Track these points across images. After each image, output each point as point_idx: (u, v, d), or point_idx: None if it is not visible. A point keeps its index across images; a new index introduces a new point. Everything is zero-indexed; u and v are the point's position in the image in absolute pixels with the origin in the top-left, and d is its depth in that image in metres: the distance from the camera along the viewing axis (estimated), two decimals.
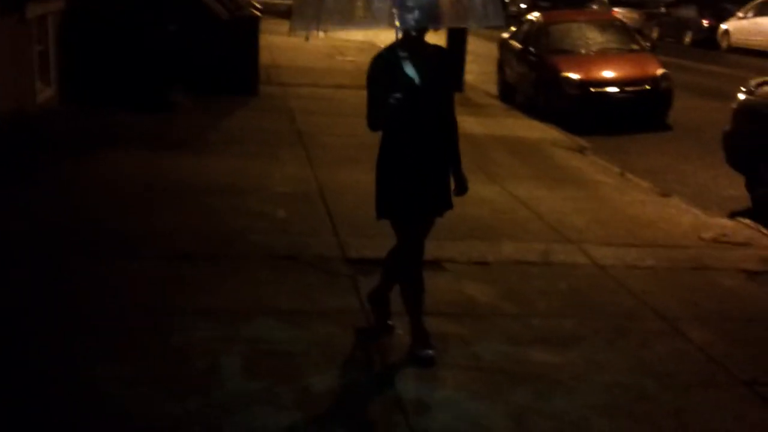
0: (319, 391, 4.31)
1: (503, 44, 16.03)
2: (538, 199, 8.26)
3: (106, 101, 11.06)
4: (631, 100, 12.90)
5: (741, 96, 8.90)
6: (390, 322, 5.01)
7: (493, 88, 16.09)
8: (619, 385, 4.53)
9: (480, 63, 18.68)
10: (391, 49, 4.41)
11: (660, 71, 13.15)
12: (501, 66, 15.98)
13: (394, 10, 4.21)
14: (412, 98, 4.32)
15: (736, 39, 26.37)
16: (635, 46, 14.14)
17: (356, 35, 27.07)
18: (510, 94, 15.16)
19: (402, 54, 4.35)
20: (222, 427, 3.96)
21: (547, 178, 9.31)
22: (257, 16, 13.65)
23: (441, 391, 4.41)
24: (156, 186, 7.85)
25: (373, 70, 4.50)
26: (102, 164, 8.55)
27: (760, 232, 7.59)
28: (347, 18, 4.40)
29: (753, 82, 9.00)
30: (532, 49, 14.26)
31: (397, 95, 4.24)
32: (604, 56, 13.64)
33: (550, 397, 4.37)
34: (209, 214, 7.09)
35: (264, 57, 15.30)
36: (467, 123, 10.37)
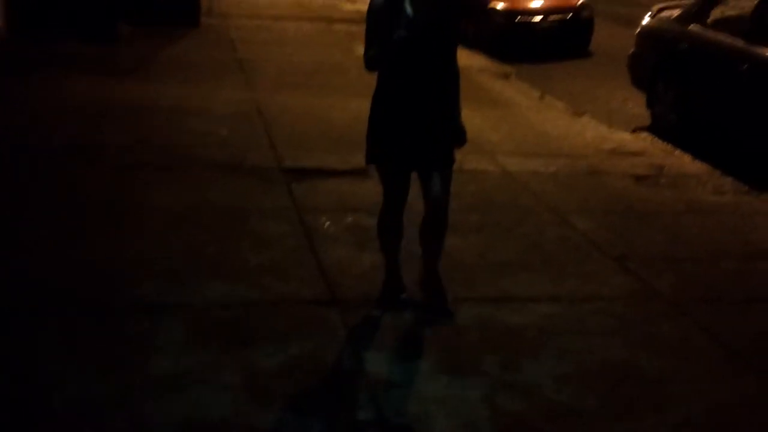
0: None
1: None
2: None
3: (53, 32, 11.50)
4: (554, 28, 13.72)
5: (644, 20, 9.73)
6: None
7: None
8: (508, 261, 5.40)
9: None
10: None
11: (581, 1, 13.94)
12: None
13: None
14: (410, 37, 4.08)
15: None
16: None
17: None
18: None
19: None
20: None
21: (471, 100, 9.93)
22: None
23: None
24: (103, 108, 8.42)
25: (374, 4, 4.19)
26: (50, 88, 9.07)
27: (654, 143, 8.49)
28: None
29: (655, 8, 9.83)
30: None
31: (402, 32, 4.02)
32: None
33: (451, 271, 5.20)
34: (155, 132, 7.73)
35: None
36: None
